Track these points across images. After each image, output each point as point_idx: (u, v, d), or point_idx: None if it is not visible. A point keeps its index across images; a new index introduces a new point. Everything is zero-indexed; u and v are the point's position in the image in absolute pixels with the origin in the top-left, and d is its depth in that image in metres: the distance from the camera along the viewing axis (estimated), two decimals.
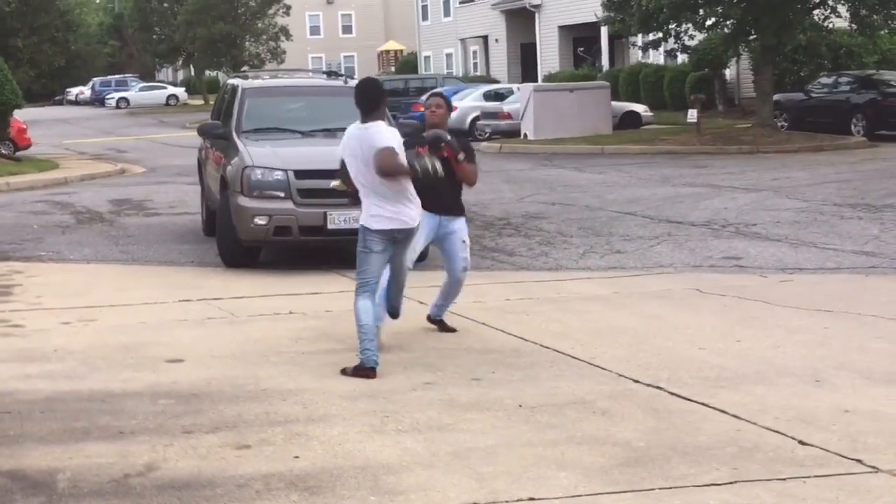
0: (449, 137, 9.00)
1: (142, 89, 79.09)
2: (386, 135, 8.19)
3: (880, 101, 30.58)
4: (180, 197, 20.53)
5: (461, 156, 9.01)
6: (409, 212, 8.36)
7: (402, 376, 8.07)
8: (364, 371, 8.14)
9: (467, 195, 20.12)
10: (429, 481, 5.91)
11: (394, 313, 8.88)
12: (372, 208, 8.30)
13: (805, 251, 13.42)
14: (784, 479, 5.85)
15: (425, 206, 8.62)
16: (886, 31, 32.87)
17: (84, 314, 10.43)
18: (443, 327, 9.53)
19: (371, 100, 8.27)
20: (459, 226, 9.25)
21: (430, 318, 9.61)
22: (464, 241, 9.25)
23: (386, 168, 8.08)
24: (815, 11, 31.42)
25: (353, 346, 8.91)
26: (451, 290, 9.47)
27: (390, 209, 8.25)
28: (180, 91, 79.70)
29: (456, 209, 9.29)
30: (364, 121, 8.28)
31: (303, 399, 7.48)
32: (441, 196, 8.99)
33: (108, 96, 78.80)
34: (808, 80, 34.85)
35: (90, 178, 26.08)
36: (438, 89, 11.06)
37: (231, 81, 15.60)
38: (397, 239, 8.42)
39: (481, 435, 6.67)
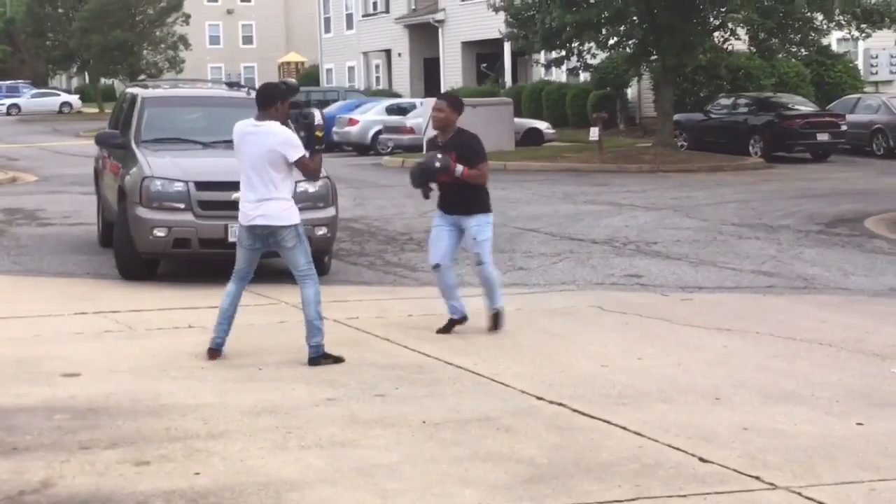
0: (437, 164, 9.63)
1: (34, 96, 77.04)
2: (286, 136, 8.68)
3: (777, 123, 31.26)
4: (75, 207, 20.11)
5: (458, 169, 9.65)
6: (273, 210, 8.73)
7: (305, 392, 8.00)
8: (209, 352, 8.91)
9: (369, 210, 20.03)
10: (332, 498, 5.86)
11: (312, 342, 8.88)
12: (245, 204, 8.84)
13: (704, 270, 13.61)
14: (685, 496, 5.91)
15: (441, 206, 9.90)
16: (784, 54, 33.67)
17: None
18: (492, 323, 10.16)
19: (265, 98, 8.80)
20: (471, 223, 9.87)
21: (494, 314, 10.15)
22: (475, 238, 9.88)
23: (317, 173, 9.04)
24: (716, 34, 32.05)
25: (256, 362, 8.88)
26: (482, 284, 10.14)
27: (257, 206, 8.74)
28: (74, 98, 77.96)
29: (467, 208, 9.89)
30: (258, 118, 8.79)
31: (203, 414, 7.37)
32: (452, 196, 9.87)
33: None
34: (708, 100, 35.50)
35: None
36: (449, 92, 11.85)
37: (130, 90, 15.36)
38: (261, 236, 8.81)
39: (385, 451, 6.63)
